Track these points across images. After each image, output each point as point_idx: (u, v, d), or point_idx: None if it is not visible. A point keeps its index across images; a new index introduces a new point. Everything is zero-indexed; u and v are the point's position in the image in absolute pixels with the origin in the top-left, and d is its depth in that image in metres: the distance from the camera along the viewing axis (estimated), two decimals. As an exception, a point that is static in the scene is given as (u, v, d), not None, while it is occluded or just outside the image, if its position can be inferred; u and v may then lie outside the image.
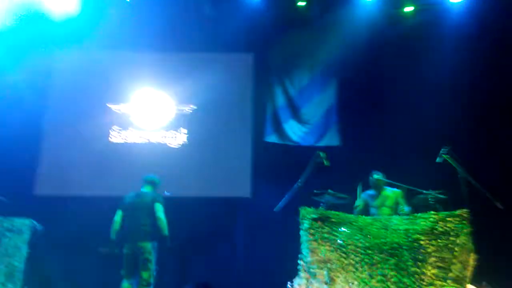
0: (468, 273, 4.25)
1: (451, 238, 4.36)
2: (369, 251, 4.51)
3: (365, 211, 5.82)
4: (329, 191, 5.48)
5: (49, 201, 6.86)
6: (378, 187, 5.93)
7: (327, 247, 4.60)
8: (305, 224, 4.72)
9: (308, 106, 7.77)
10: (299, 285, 4.47)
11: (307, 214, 4.76)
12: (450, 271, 4.26)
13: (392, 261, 4.42)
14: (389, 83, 7.53)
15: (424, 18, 7.49)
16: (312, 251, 4.59)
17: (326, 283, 4.42)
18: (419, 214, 4.66)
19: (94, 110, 7.50)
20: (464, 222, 4.43)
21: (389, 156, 6.78)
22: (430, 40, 7.42)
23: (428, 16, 7.49)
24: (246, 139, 7.54)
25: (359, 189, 5.90)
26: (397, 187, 5.78)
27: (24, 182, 6.90)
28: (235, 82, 7.77)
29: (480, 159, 6.51)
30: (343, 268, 4.49)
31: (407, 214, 5.12)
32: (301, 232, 4.72)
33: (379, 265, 4.43)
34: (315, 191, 5.54)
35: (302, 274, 4.53)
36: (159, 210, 5.48)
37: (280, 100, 7.78)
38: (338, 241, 4.61)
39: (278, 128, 7.64)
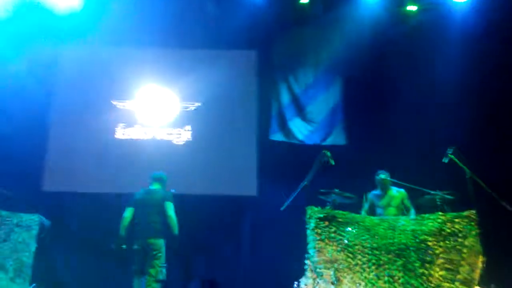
0: (476, 275, 4.26)
1: (459, 240, 4.37)
2: (376, 252, 4.51)
3: (371, 211, 5.83)
4: (336, 190, 5.48)
5: (56, 197, 6.87)
6: (384, 187, 5.93)
7: (334, 247, 4.60)
8: (312, 224, 4.73)
9: (314, 105, 7.75)
10: (305, 285, 4.48)
11: (313, 214, 4.76)
12: (458, 273, 4.27)
13: (400, 262, 4.43)
14: (394, 82, 7.52)
15: (428, 17, 7.47)
16: (318, 250, 4.59)
17: (332, 283, 4.42)
18: (426, 215, 4.67)
19: (99, 106, 7.49)
20: (472, 223, 4.44)
21: (395, 156, 6.75)
22: (436, 39, 7.41)
23: (433, 15, 7.47)
24: (251, 137, 7.53)
25: (365, 198, 5.90)
26: (403, 187, 5.78)
27: (31, 178, 6.90)
28: (239, 79, 7.76)
29: (487, 159, 6.50)
30: (350, 269, 4.49)
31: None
32: (308, 232, 4.72)
33: (386, 266, 4.43)
34: (321, 190, 5.55)
35: (308, 274, 4.53)
36: (170, 209, 5.50)
37: (285, 98, 7.77)
38: (345, 241, 4.62)
39: (284, 127, 7.63)
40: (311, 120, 7.67)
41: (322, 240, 4.65)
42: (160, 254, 5.37)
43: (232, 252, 6.99)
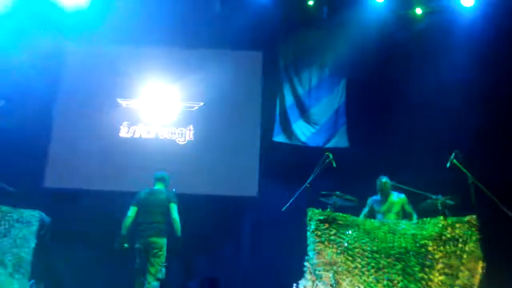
0: (476, 281, 4.23)
1: (460, 245, 4.35)
2: (376, 255, 4.50)
3: (371, 216, 5.78)
4: (337, 192, 5.46)
5: (57, 193, 6.89)
6: (385, 192, 5.90)
7: (334, 250, 4.60)
8: (312, 226, 4.73)
9: (317, 107, 7.74)
10: (304, 286, 4.47)
11: (314, 216, 4.77)
12: (458, 278, 4.24)
13: (399, 266, 4.42)
14: (399, 85, 7.50)
15: (435, 21, 7.44)
16: (318, 253, 4.59)
17: (331, 286, 4.42)
18: (427, 220, 4.64)
19: (104, 104, 7.51)
20: (472, 229, 4.42)
21: (398, 159, 6.75)
22: (441, 43, 7.38)
23: (440, 18, 7.44)
24: (254, 138, 7.52)
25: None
26: (404, 191, 5.75)
27: (34, 174, 6.93)
28: (244, 80, 7.76)
29: (490, 165, 6.45)
30: (349, 271, 4.49)
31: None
32: (308, 234, 4.73)
33: (385, 270, 4.42)
34: (322, 192, 5.53)
35: (308, 276, 4.53)
36: (174, 211, 5.53)
37: (289, 99, 7.76)
38: (345, 244, 4.61)
39: (287, 128, 7.61)
40: (315, 122, 7.65)
41: (322, 242, 4.65)
42: (160, 253, 5.40)
43: (232, 252, 6.99)
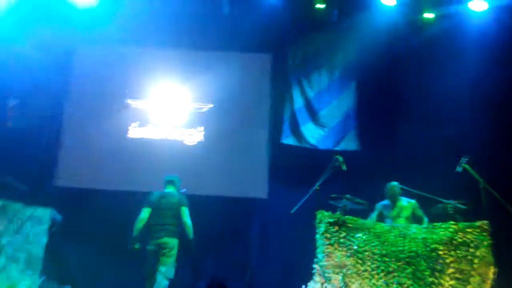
0: (487, 286, 4.21)
1: (471, 250, 4.33)
2: (386, 259, 4.48)
3: (380, 221, 5.75)
4: (347, 195, 5.46)
5: (68, 192, 6.93)
6: (394, 197, 5.88)
7: (343, 252, 4.59)
8: (322, 228, 4.72)
9: (327, 109, 7.72)
10: (313, 288, 4.46)
11: (324, 218, 4.76)
12: (469, 283, 4.22)
13: (409, 269, 4.39)
14: (409, 89, 7.48)
15: (445, 25, 7.40)
16: (327, 255, 4.58)
17: (340, 288, 4.40)
18: (438, 224, 4.62)
19: (113, 104, 7.54)
20: (484, 233, 4.40)
21: (408, 163, 6.73)
22: (452, 47, 7.33)
23: (450, 23, 7.40)
24: (263, 140, 7.52)
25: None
26: (415, 195, 5.73)
27: (45, 173, 6.97)
28: (253, 82, 7.75)
29: (501, 169, 6.40)
30: (358, 274, 4.47)
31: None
32: (317, 236, 4.73)
33: (395, 273, 4.40)
34: (332, 195, 5.53)
35: (316, 278, 4.52)
36: (186, 215, 5.61)
37: (298, 102, 7.75)
38: (354, 247, 4.59)
39: (296, 131, 7.60)
40: (324, 125, 7.62)
41: (331, 244, 4.64)
42: (171, 253, 5.49)
43: (241, 253, 6.98)
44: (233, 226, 6.99)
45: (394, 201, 5.89)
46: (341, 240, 4.65)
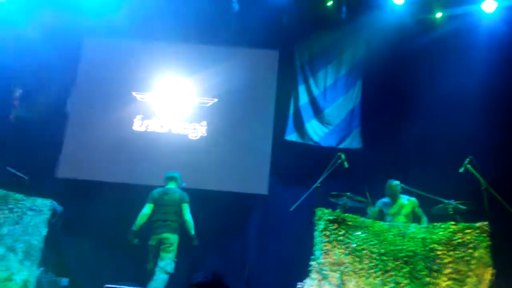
0: (484, 287, 4.17)
1: (469, 250, 4.31)
2: (384, 258, 4.47)
3: (380, 219, 5.75)
4: (348, 193, 5.45)
5: (69, 184, 6.97)
6: (394, 195, 5.87)
7: (341, 250, 4.58)
8: (321, 225, 4.71)
9: (332, 107, 7.69)
10: (310, 286, 4.45)
11: (323, 216, 4.75)
12: (465, 284, 4.20)
13: (406, 269, 4.38)
14: (415, 89, 7.42)
15: (455, 25, 7.33)
16: (325, 252, 4.58)
17: (337, 286, 4.39)
18: (438, 224, 4.60)
19: (118, 97, 7.56)
20: (483, 235, 4.37)
21: (411, 162, 6.70)
22: (461, 48, 7.27)
23: (460, 23, 7.33)
24: (266, 136, 7.49)
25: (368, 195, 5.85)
26: (415, 194, 5.70)
27: (47, 164, 7.01)
28: (258, 78, 7.72)
29: (504, 171, 6.35)
30: (355, 273, 4.46)
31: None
32: (316, 233, 4.71)
33: (392, 272, 4.39)
34: (332, 193, 5.52)
35: (313, 275, 4.51)
36: (187, 212, 5.78)
37: (303, 99, 7.73)
38: (353, 245, 4.58)
39: (300, 127, 7.58)
40: (329, 123, 7.60)
41: (330, 242, 4.63)
42: (171, 248, 5.61)
43: (239, 249, 6.99)
44: (232, 221, 6.98)
45: (394, 199, 5.88)
46: (340, 238, 4.64)
